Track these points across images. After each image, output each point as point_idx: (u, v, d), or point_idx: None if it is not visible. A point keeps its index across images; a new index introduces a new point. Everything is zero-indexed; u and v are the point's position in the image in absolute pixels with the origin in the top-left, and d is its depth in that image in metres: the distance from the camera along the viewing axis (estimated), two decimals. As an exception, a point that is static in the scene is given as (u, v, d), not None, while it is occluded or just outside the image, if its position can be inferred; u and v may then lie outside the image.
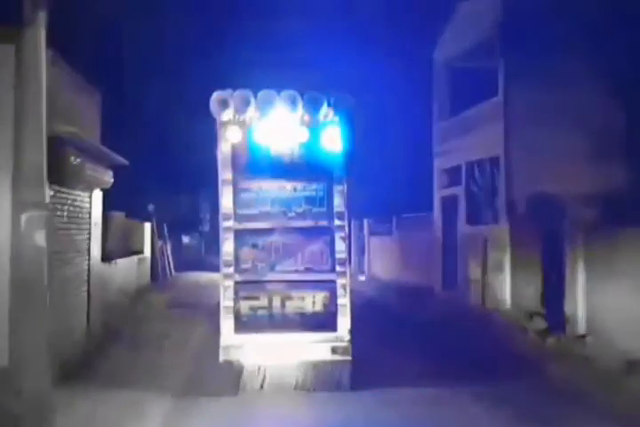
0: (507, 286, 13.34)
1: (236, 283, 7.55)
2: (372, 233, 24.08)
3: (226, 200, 7.66)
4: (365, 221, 24.65)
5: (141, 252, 18.87)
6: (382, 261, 22.55)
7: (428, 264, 17.68)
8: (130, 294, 15.10)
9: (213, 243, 40.50)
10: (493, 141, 14.08)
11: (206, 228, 38.98)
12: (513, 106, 13.62)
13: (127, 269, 15.21)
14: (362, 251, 24.71)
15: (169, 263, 24.92)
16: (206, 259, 34.28)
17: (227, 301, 7.48)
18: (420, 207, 18.76)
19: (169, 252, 25.44)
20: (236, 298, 7.50)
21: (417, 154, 19.51)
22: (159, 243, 23.10)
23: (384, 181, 21.88)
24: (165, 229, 25.23)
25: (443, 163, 17.16)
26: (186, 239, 33.89)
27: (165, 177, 24.54)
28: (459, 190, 16.01)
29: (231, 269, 7.57)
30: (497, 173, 14.10)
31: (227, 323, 7.43)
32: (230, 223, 7.66)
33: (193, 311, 13.78)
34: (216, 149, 7.80)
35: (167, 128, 22.39)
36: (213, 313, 8.36)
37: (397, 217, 21.29)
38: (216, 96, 7.55)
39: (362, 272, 23.90)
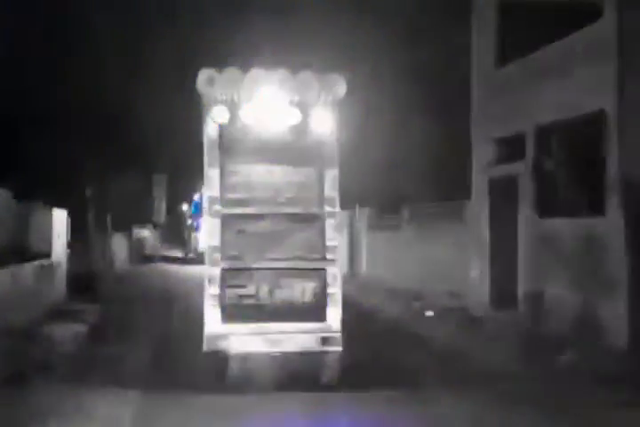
0: (622, 312, 8.56)
1: (223, 270, 7.18)
2: (371, 226, 18.99)
3: (212, 183, 7.33)
4: (358, 211, 19.53)
5: (47, 254, 12.30)
6: (388, 264, 17.37)
7: (460, 272, 12.79)
8: (20, 329, 9.08)
9: (171, 236, 35.89)
10: (592, 90, 9.32)
11: (161, 218, 34.29)
12: (632, 35, 8.86)
13: (12, 286, 9.50)
14: (356, 249, 19.56)
15: (111, 263, 20.15)
16: (163, 254, 30.14)
17: (212, 288, 7.14)
18: (447, 193, 13.95)
19: (112, 248, 20.92)
20: (222, 286, 7.14)
21: (442, 119, 14.55)
22: (95, 237, 18.10)
23: (389, 159, 16.83)
24: (109, 220, 20.57)
25: (490, 130, 12.27)
26: (138, 232, 29.44)
27: (110, 154, 19.44)
28: (520, 168, 11.15)
29: (217, 256, 7.19)
30: (598, 139, 9.27)
31: (212, 311, 7.09)
32: (217, 208, 7.31)
33: (142, 350, 8.69)
34: (202, 130, 7.43)
35: (114, 92, 17.18)
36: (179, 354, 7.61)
37: (411, 206, 16.20)
38: (203, 74, 7.24)
39: (355, 278, 18.74)
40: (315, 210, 7.41)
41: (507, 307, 11.10)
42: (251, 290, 7.19)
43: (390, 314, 12.67)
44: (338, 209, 7.45)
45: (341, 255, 7.93)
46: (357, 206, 19.46)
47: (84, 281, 13.82)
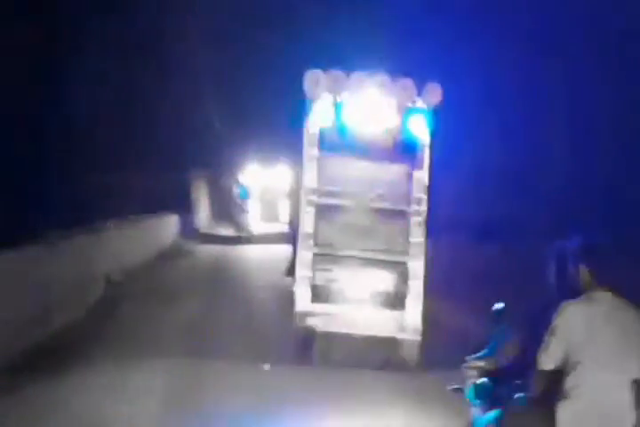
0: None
1: (314, 255, 7.84)
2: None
3: (310, 175, 7.94)
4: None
5: None
6: None
7: None
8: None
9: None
10: None
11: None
12: None
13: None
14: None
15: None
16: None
17: (304, 270, 7.84)
18: None
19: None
20: (313, 269, 7.80)
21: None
22: None
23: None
24: None
25: None
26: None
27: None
28: None
29: (311, 242, 7.85)
30: None
31: (303, 291, 7.79)
32: (313, 197, 7.94)
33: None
34: (303, 125, 8.09)
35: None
36: None
37: None
38: (309, 75, 7.82)
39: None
40: (402, 207, 7.92)
41: None
42: (337, 275, 7.82)
43: None
44: (424, 208, 7.92)
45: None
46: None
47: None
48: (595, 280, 3.26)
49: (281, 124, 23.89)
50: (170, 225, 21.11)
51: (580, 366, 3.16)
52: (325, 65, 7.90)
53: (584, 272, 3.28)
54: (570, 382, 3.18)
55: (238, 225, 25.30)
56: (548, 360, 3.23)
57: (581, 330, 3.19)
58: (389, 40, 13.86)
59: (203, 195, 29.18)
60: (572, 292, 3.31)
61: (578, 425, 3.18)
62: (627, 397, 3.16)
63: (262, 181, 25.88)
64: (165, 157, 21.28)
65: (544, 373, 3.23)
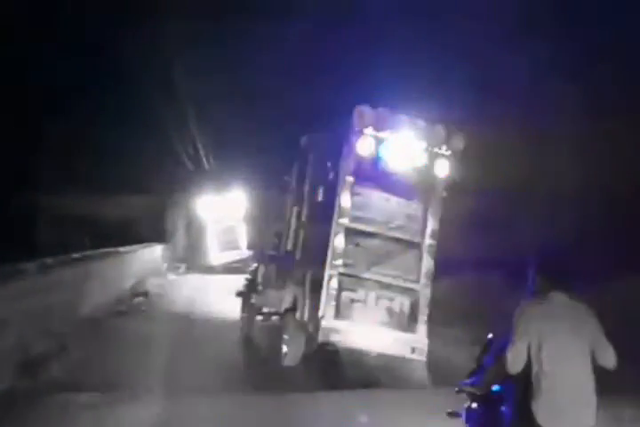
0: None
1: (340, 274, 8.35)
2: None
3: (344, 200, 8.49)
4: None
5: None
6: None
7: None
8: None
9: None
10: None
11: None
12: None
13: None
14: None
15: None
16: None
17: (331, 289, 8.27)
18: None
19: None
20: (339, 288, 8.30)
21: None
22: None
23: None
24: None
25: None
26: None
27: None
28: None
29: (339, 261, 8.36)
30: None
31: (329, 308, 8.22)
32: (345, 221, 8.48)
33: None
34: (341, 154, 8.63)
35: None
36: None
37: None
38: (358, 109, 8.35)
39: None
40: (417, 239, 8.70)
41: None
42: (361, 295, 8.39)
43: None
44: (436, 242, 8.70)
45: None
46: None
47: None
48: (549, 285, 3.83)
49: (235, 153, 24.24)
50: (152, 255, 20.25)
51: (544, 361, 3.62)
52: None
53: (541, 279, 3.90)
54: (538, 375, 3.65)
55: (206, 255, 25.09)
56: (515, 363, 3.68)
57: (539, 325, 3.70)
58: (422, 87, 14.47)
59: (179, 223, 27.89)
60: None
61: (552, 413, 3.62)
62: (590, 381, 3.67)
63: (217, 211, 24.92)
64: (138, 183, 21.10)
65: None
